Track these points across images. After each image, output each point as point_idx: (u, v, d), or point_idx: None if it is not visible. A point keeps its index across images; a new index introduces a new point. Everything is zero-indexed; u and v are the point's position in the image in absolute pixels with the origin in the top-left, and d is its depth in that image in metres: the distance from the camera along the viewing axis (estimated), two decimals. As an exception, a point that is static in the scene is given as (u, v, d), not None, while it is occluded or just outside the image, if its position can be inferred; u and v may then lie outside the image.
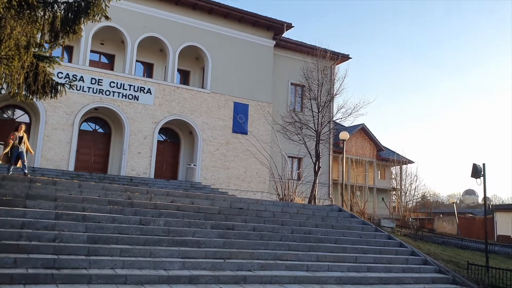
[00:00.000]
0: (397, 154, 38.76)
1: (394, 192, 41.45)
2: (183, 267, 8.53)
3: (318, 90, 18.54)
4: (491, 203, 49.13)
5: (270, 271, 9.18)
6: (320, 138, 18.45)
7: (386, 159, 38.63)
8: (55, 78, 11.37)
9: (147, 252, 8.66)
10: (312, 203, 17.39)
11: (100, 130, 24.94)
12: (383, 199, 40.49)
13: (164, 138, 26.03)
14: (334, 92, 18.56)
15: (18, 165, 13.97)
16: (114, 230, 9.23)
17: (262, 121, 26.30)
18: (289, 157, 25.54)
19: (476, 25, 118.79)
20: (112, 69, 24.95)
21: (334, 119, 18.63)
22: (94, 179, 21.07)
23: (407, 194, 35.25)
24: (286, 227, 11.60)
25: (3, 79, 8.86)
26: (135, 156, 23.66)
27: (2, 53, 7.86)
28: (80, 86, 22.83)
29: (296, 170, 27.28)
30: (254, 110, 26.54)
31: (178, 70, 26.06)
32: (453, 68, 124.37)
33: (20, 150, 13.76)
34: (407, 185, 35.88)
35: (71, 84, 11.49)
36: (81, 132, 23.89)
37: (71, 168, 22.47)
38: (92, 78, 23.09)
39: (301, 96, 28.24)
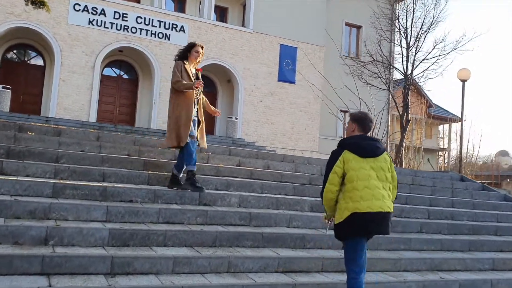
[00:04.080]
0: (447, 111, 33.95)
1: (441, 152, 36.78)
2: (293, 294, 4.28)
3: (406, 20, 13.60)
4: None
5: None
6: (411, 82, 13.76)
7: (436, 116, 33.68)
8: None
9: (222, 264, 4.38)
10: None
11: (126, 76, 20.54)
12: (428, 159, 35.97)
13: (199, 86, 21.52)
14: (434, 19, 13.62)
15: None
16: (157, 217, 4.97)
17: (313, 67, 21.52)
18: (341, 111, 20.94)
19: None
20: (138, 2, 20.26)
21: (430, 56, 13.79)
22: (120, 132, 16.92)
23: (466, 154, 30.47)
24: (414, 207, 7.22)
25: None
26: (167, 106, 19.28)
27: None
28: (101, 21, 18.31)
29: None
30: (303, 55, 21.69)
31: (215, 6, 21.23)
32: None
33: (196, 109, 5.81)
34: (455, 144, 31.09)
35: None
36: (104, 78, 19.58)
37: (93, 119, 18.30)
38: (115, 12, 18.50)
39: (357, 39, 23.24)
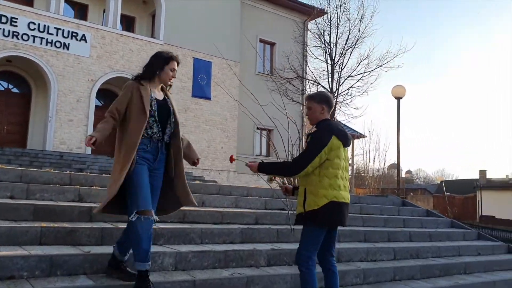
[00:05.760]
0: (350, 128, 34.82)
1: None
2: None
3: (330, 35, 12.85)
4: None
5: None
6: (337, 99, 12.99)
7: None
8: None
9: None
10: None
11: (16, 90, 17.55)
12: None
13: (103, 102, 19.14)
14: (360, 34, 13.03)
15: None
16: (55, 304, 3.16)
17: (229, 83, 20.27)
18: (258, 128, 19.92)
19: None
20: (31, 5, 17.48)
21: (355, 73, 13.14)
22: (8, 155, 14.11)
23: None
24: (377, 247, 6.06)
25: None
26: (66, 124, 16.74)
27: None
28: (-16, 25, 15.38)
29: (265, 144, 21.86)
30: (219, 70, 20.39)
31: (121, 15, 19.11)
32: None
33: (163, 158, 3.76)
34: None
35: None
36: (-13, 92, 16.52)
37: (-27, 140, 15.20)
38: (1, 15, 15.66)
39: (270, 56, 22.52)
